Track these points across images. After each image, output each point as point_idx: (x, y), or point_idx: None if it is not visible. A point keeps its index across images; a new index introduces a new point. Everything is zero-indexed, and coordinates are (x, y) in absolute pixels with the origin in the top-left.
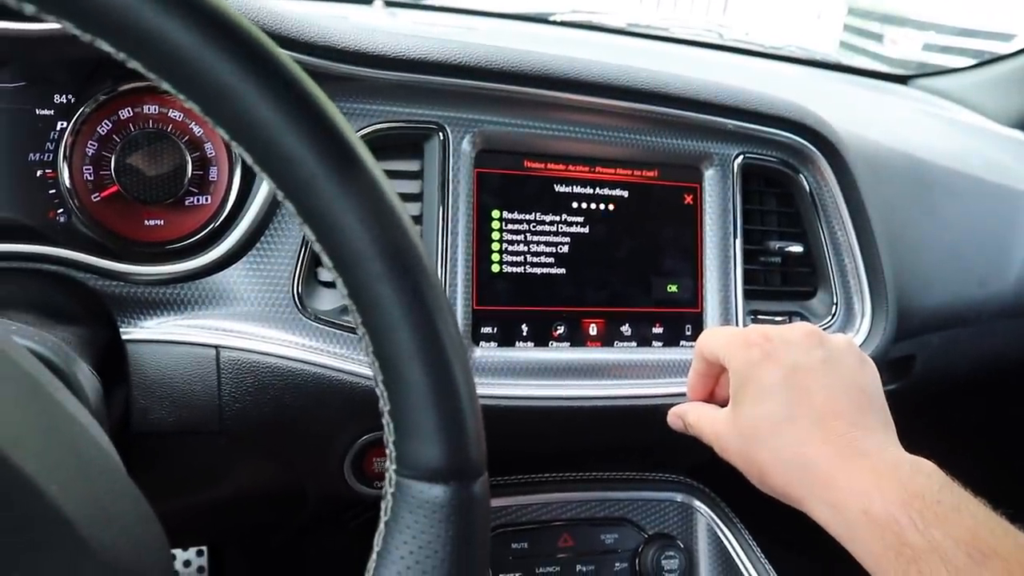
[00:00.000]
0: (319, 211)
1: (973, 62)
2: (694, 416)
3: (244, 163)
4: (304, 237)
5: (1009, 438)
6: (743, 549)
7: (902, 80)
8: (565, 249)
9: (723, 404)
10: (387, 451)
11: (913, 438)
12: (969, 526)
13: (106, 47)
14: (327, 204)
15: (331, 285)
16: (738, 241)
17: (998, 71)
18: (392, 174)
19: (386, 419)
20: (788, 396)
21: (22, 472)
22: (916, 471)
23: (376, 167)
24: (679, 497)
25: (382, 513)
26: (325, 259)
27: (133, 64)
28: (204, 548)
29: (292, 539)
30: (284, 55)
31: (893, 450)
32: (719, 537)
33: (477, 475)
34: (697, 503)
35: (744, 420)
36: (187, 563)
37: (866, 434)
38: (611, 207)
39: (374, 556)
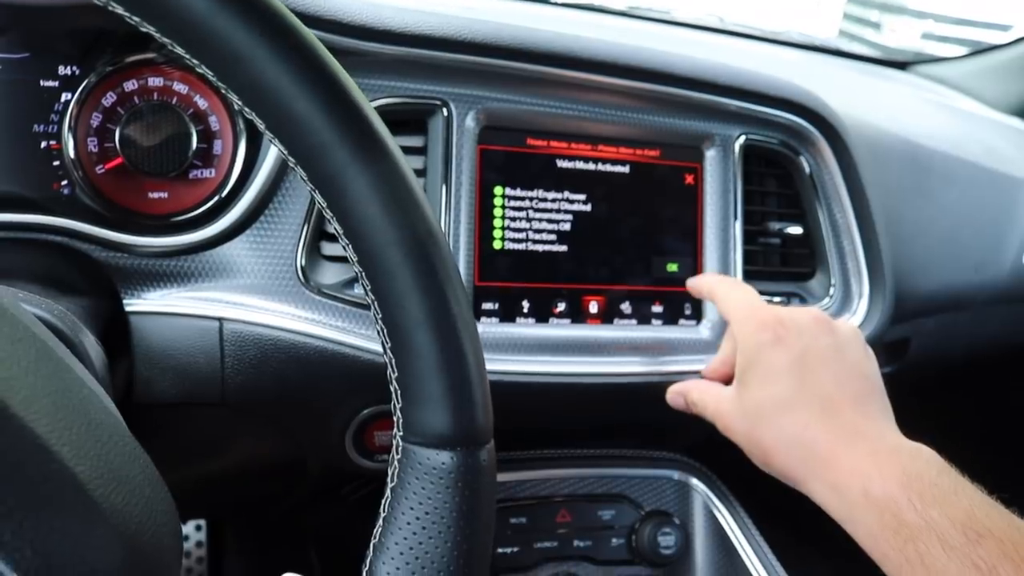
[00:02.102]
0: (330, 177)
1: (970, 51)
2: (697, 394)
3: (248, 137)
4: (307, 211)
5: (1002, 424)
6: (739, 527)
7: (901, 66)
8: (567, 227)
9: (725, 382)
10: (394, 418)
11: (907, 422)
12: (965, 507)
13: (120, 11)
14: (338, 170)
15: (334, 259)
16: (738, 222)
17: (997, 59)
18: None
19: (393, 386)
20: (795, 379)
21: (34, 433)
22: (915, 456)
23: (388, 135)
24: (676, 475)
25: (388, 480)
26: (336, 226)
27: (147, 29)
28: (203, 522)
29: (291, 513)
30: (297, 22)
31: (893, 436)
32: (715, 515)
33: (484, 442)
34: (694, 481)
35: (750, 400)
36: (186, 537)
37: (868, 420)
38: (613, 185)
39: (380, 522)
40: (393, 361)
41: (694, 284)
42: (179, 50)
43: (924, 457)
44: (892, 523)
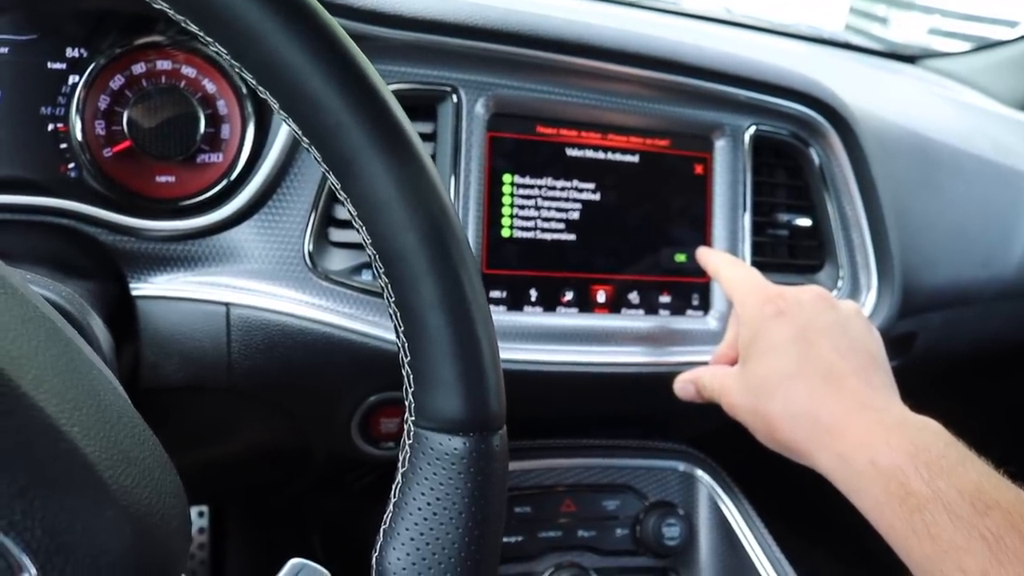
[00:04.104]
0: (344, 159)
1: (976, 46)
2: (708, 377)
3: (257, 121)
4: (315, 197)
5: (1005, 423)
6: (743, 518)
7: (909, 60)
8: (575, 215)
9: (732, 365)
10: (406, 402)
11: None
12: (973, 479)
13: None
14: (353, 152)
15: (342, 245)
16: (747, 213)
17: (1004, 54)
18: None
19: (406, 370)
20: (798, 352)
21: (44, 413)
22: (922, 428)
23: (405, 117)
24: (681, 466)
25: (399, 464)
26: (349, 208)
27: (160, 6)
28: (205, 508)
29: (295, 499)
30: (313, 0)
31: (899, 408)
32: (719, 506)
33: (497, 428)
34: (699, 472)
35: (753, 375)
36: None
37: (874, 391)
38: (622, 175)
39: (390, 507)
40: (406, 345)
41: (703, 256)
42: (192, 27)
43: (931, 429)
44: (899, 493)
